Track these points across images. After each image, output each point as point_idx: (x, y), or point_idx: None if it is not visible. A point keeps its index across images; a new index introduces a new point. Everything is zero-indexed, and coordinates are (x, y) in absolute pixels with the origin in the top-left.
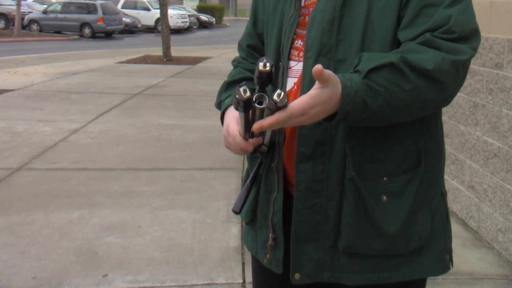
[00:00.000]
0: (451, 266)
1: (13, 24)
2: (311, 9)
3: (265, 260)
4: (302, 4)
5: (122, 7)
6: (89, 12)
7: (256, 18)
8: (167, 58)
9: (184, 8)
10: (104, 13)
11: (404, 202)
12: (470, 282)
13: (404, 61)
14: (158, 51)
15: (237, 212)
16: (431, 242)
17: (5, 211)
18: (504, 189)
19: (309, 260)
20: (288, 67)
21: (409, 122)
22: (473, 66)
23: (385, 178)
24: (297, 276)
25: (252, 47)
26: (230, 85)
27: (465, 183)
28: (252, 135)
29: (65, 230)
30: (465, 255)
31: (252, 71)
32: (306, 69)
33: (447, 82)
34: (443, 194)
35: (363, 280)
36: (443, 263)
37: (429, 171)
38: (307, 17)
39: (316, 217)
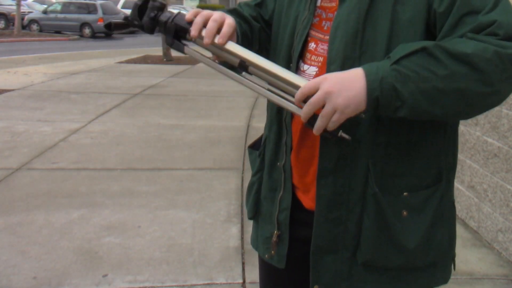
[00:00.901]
0: (453, 268)
1: (13, 24)
2: (329, 14)
3: (266, 255)
4: (318, 4)
5: (122, 7)
6: (89, 12)
7: (264, 2)
8: (167, 58)
9: (184, 8)
10: (104, 13)
11: (424, 217)
12: (470, 282)
13: (439, 46)
14: (158, 51)
15: (106, 26)
16: (446, 254)
17: (5, 211)
18: (504, 189)
19: (327, 271)
20: (301, 70)
21: (432, 138)
22: None
23: (405, 193)
24: (316, 287)
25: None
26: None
27: (465, 183)
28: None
29: (65, 230)
30: (465, 255)
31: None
32: None
33: (490, 72)
34: (453, 204)
35: None
36: (450, 269)
37: (448, 186)
38: (324, 21)
39: (336, 229)
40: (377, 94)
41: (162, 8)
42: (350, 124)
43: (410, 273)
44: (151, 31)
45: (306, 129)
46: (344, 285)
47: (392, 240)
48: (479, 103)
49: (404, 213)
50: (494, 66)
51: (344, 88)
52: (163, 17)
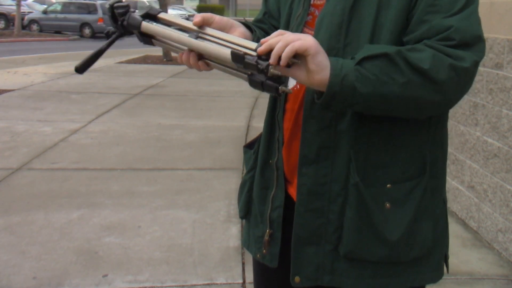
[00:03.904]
0: (447, 271)
1: (13, 24)
2: (321, 9)
3: (258, 255)
4: (311, 2)
5: None
6: (89, 12)
7: (267, 7)
8: (167, 58)
9: (184, 8)
10: (104, 13)
11: (407, 210)
12: (470, 282)
13: (401, 55)
14: (158, 51)
15: (77, 69)
16: (432, 251)
17: (5, 211)
18: (504, 189)
19: (309, 264)
20: None
21: (415, 129)
22: None
23: (388, 185)
24: (297, 279)
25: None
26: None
27: (465, 183)
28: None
29: (65, 230)
30: (465, 255)
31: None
32: None
33: (445, 84)
34: (444, 202)
35: (363, 286)
36: (441, 270)
37: (433, 180)
38: (316, 19)
39: (317, 220)
40: (335, 90)
41: (126, 11)
42: (334, 114)
43: (394, 267)
44: (129, 34)
45: (298, 122)
46: (326, 279)
47: (375, 232)
48: (431, 108)
49: (387, 205)
50: (449, 79)
51: (321, 51)
52: (132, 20)
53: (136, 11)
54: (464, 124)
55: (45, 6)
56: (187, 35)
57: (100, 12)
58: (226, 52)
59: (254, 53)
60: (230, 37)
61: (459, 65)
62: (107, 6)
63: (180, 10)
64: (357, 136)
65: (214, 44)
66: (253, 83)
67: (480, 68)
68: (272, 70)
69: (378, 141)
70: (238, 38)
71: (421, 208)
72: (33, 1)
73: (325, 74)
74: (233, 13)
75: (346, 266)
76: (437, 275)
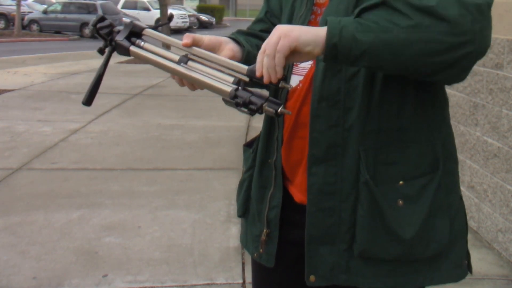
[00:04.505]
0: (469, 271)
1: (13, 24)
2: (323, 9)
3: (255, 254)
4: (315, 1)
5: (122, 7)
6: (89, 12)
7: (269, 6)
8: None
9: (184, 8)
10: (104, 13)
11: (421, 207)
12: (470, 282)
13: (401, 0)
14: None
15: (85, 103)
16: (450, 248)
17: (5, 211)
18: (504, 189)
19: (324, 263)
20: (294, 64)
21: (424, 125)
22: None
23: (401, 182)
24: (312, 278)
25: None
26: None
27: (465, 183)
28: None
29: (65, 230)
30: None
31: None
32: (318, 72)
33: (458, 22)
34: (460, 198)
35: (379, 285)
36: (462, 268)
37: (447, 176)
38: (318, 17)
39: (329, 219)
40: (335, 41)
41: (111, 31)
42: (341, 111)
43: (410, 266)
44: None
45: (299, 120)
46: (342, 278)
47: (387, 230)
48: (449, 54)
49: (400, 202)
50: (461, 16)
51: (302, 29)
52: (120, 46)
53: (120, 27)
54: (464, 124)
55: (45, 6)
56: (177, 59)
57: (100, 12)
58: (220, 88)
59: (246, 78)
60: (220, 60)
61: (470, 1)
62: (90, 28)
63: (180, 10)
64: (365, 133)
65: (206, 78)
66: (253, 113)
67: (480, 68)
68: (266, 108)
69: (387, 138)
70: (230, 62)
71: (435, 205)
72: (33, 1)
73: (324, 30)
74: (233, 13)
75: (361, 265)
76: (458, 274)
